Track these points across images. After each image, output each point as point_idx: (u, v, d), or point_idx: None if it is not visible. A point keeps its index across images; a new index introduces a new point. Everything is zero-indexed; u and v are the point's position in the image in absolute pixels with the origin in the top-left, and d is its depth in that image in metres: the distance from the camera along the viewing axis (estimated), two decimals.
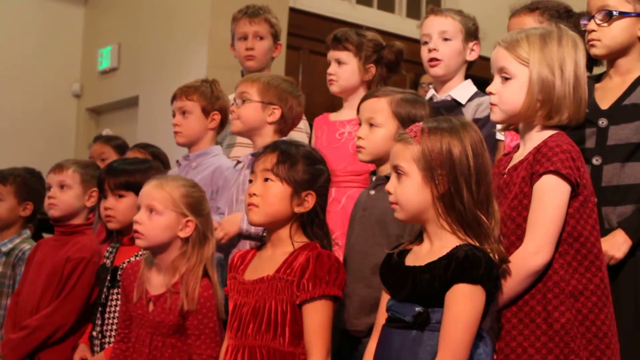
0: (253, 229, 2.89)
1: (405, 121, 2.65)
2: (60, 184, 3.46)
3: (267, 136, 3.11)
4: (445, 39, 3.18)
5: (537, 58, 2.24)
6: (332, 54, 3.39)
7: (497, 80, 2.31)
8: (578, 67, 2.28)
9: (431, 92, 3.29)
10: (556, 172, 2.17)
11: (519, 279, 2.16)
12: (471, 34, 3.22)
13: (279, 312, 2.31)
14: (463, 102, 3.15)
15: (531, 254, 2.16)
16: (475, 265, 1.99)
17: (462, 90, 3.19)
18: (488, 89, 2.33)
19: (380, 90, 2.81)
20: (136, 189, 3.01)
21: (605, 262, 2.31)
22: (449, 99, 3.17)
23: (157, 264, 2.71)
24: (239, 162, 3.21)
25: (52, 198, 3.44)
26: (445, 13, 3.22)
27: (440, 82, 3.25)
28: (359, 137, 2.72)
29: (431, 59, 3.19)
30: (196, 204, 2.71)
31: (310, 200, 2.40)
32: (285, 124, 3.16)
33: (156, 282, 2.70)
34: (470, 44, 3.21)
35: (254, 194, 2.40)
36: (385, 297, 2.21)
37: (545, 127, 2.28)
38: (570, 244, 2.20)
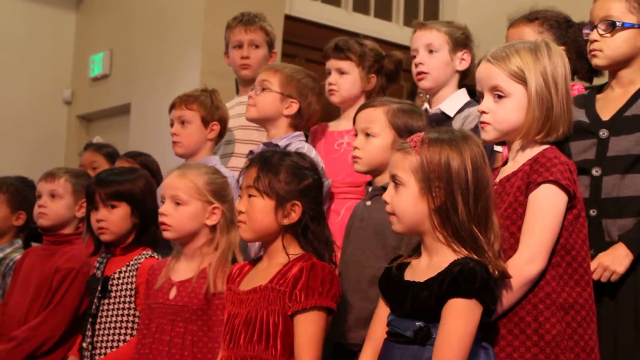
0: None
1: (402, 131, 2.66)
2: (52, 193, 3.45)
3: (281, 128, 3.16)
4: (431, 52, 3.19)
5: (534, 75, 2.25)
6: (333, 64, 3.38)
7: (488, 98, 2.31)
8: (567, 82, 2.31)
9: (425, 105, 3.28)
10: (555, 182, 2.18)
11: (514, 288, 2.16)
12: (459, 43, 3.21)
13: (271, 322, 2.31)
14: (451, 115, 3.15)
15: (526, 262, 2.16)
16: (470, 280, 1.99)
17: (452, 101, 3.19)
18: (479, 108, 2.32)
19: (376, 100, 2.82)
20: (128, 198, 3.02)
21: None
22: (439, 112, 3.17)
23: (184, 252, 2.75)
24: (251, 152, 3.21)
25: (42, 207, 3.43)
26: (431, 25, 3.23)
27: (432, 94, 3.25)
28: (355, 148, 2.73)
29: (418, 73, 3.21)
30: (220, 190, 2.75)
31: (296, 211, 2.39)
32: (301, 119, 3.20)
33: (182, 269, 2.73)
34: (460, 54, 3.21)
35: (241, 212, 2.41)
36: (381, 308, 2.21)
37: (539, 143, 2.30)
38: (563, 256, 2.21)
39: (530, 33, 3.04)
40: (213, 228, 2.73)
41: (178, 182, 2.74)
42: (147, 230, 3.08)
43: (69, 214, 3.47)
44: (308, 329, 2.27)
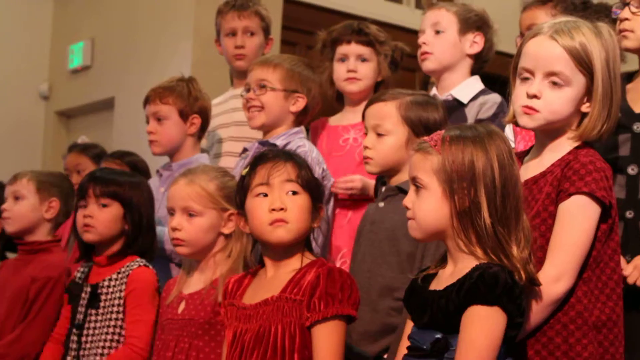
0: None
1: (416, 126, 2.65)
2: (14, 195, 3.46)
3: (285, 126, 3.12)
4: (438, 32, 3.19)
5: (600, 66, 2.19)
6: (354, 49, 3.35)
7: (542, 82, 2.20)
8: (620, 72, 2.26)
9: (433, 91, 3.28)
10: (590, 195, 2.13)
11: (538, 308, 2.14)
12: (470, 24, 3.21)
13: (287, 336, 2.28)
14: (465, 102, 3.15)
15: (552, 280, 2.13)
16: (492, 285, 1.98)
17: (465, 88, 3.19)
18: (530, 91, 2.21)
19: (387, 93, 2.80)
20: (122, 201, 2.96)
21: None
22: (450, 98, 3.17)
23: (196, 263, 2.74)
24: (245, 149, 3.18)
25: (5, 211, 3.43)
26: (440, 5, 3.26)
27: (440, 79, 3.25)
28: (366, 147, 2.71)
29: (422, 53, 3.21)
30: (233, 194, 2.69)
31: (322, 214, 2.41)
32: (305, 115, 3.18)
33: (194, 281, 2.73)
34: (470, 36, 3.21)
35: (282, 209, 2.34)
36: (407, 324, 2.19)
37: (576, 139, 2.24)
38: (593, 269, 2.18)
39: (543, 17, 3.03)
40: (228, 235, 2.71)
41: (188, 190, 2.70)
42: (136, 241, 3.02)
43: (35, 215, 3.46)
44: (329, 340, 2.25)
